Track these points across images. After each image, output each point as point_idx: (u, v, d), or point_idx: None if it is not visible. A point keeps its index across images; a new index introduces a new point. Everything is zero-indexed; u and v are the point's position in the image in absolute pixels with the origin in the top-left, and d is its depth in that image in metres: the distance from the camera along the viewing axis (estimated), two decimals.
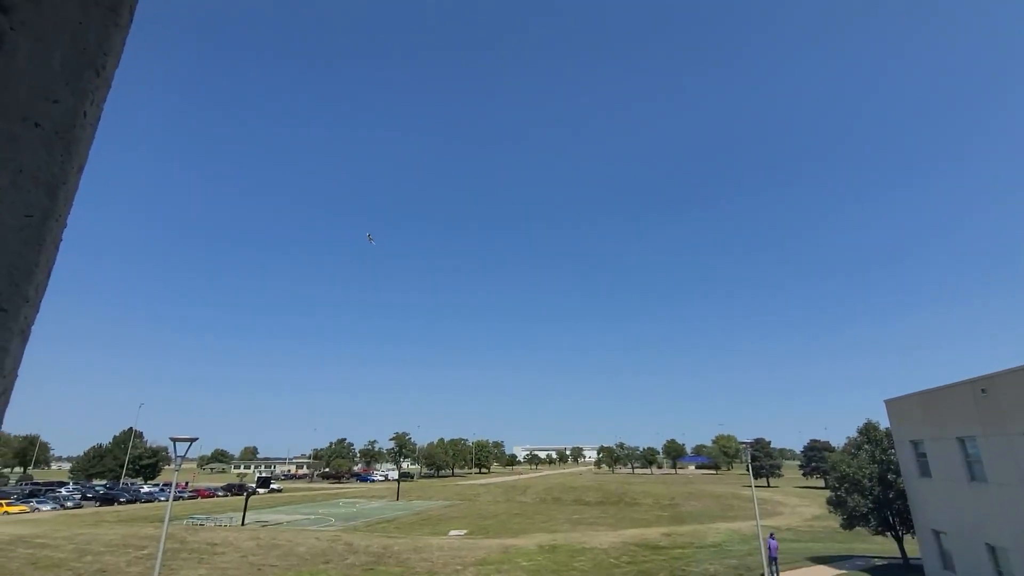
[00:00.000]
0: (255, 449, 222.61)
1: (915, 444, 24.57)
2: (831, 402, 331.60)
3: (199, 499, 74.41)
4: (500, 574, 25.43)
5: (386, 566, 27.49)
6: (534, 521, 49.77)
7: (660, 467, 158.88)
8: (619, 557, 30.27)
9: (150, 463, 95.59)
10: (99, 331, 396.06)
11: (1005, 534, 18.42)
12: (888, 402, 26.82)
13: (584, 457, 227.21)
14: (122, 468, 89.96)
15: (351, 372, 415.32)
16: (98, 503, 63.76)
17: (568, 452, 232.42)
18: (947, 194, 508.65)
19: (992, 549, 19.40)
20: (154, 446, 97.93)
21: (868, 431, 30.84)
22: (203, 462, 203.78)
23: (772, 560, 23.20)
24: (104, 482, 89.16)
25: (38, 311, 1.14)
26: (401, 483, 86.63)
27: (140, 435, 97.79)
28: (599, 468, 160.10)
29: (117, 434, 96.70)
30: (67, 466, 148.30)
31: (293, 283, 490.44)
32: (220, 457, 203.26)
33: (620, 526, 45.69)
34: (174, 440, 14.51)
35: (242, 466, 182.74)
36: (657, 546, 34.37)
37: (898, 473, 26.66)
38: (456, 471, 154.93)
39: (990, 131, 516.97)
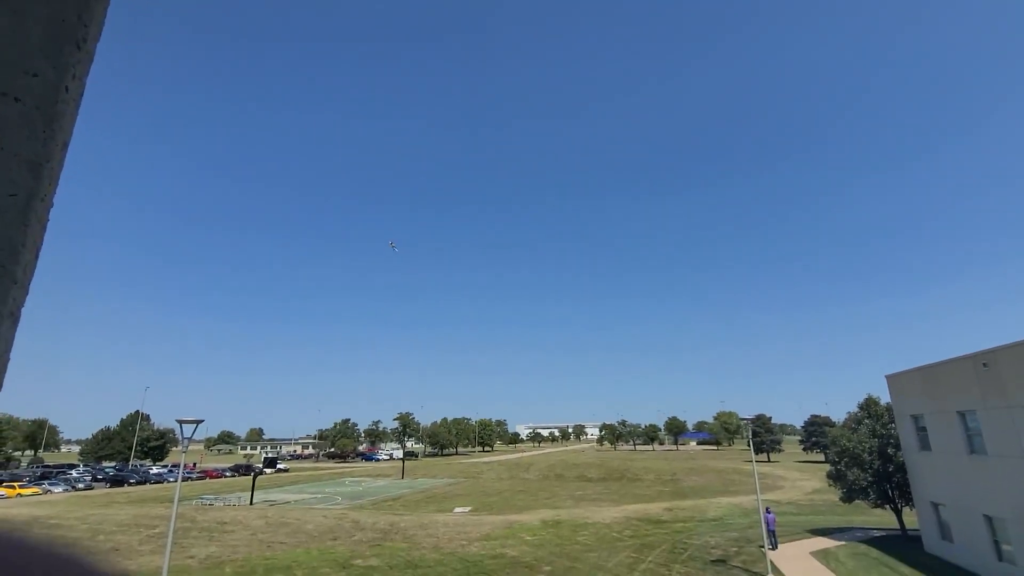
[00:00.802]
0: (261, 430, 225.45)
1: (916, 418, 24.76)
2: (832, 378, 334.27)
3: (207, 480, 75.57)
4: (505, 549, 25.92)
5: (393, 542, 28.02)
6: (537, 498, 50.58)
7: (662, 443, 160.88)
8: (621, 531, 30.82)
9: (158, 445, 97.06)
10: (104, 316, 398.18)
11: (1003, 505, 18.68)
12: (889, 377, 26.95)
13: (586, 434, 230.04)
14: (130, 450, 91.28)
15: (355, 354, 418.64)
16: (108, 484, 64.82)
17: (570, 430, 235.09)
18: (949, 171, 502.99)
19: (989, 520, 19.71)
20: (161, 428, 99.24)
21: (868, 406, 31.06)
22: (210, 443, 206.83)
23: (771, 533, 23.60)
24: (113, 464, 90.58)
25: (27, 293, 1.08)
26: (406, 462, 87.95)
27: (147, 418, 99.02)
28: (601, 445, 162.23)
29: (124, 417, 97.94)
30: (76, 449, 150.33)
31: (296, 266, 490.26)
32: (227, 439, 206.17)
33: (622, 501, 46.42)
34: (180, 422, 14.62)
35: (248, 447, 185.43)
36: (659, 520, 34.95)
37: (898, 447, 26.93)
38: (459, 450, 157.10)
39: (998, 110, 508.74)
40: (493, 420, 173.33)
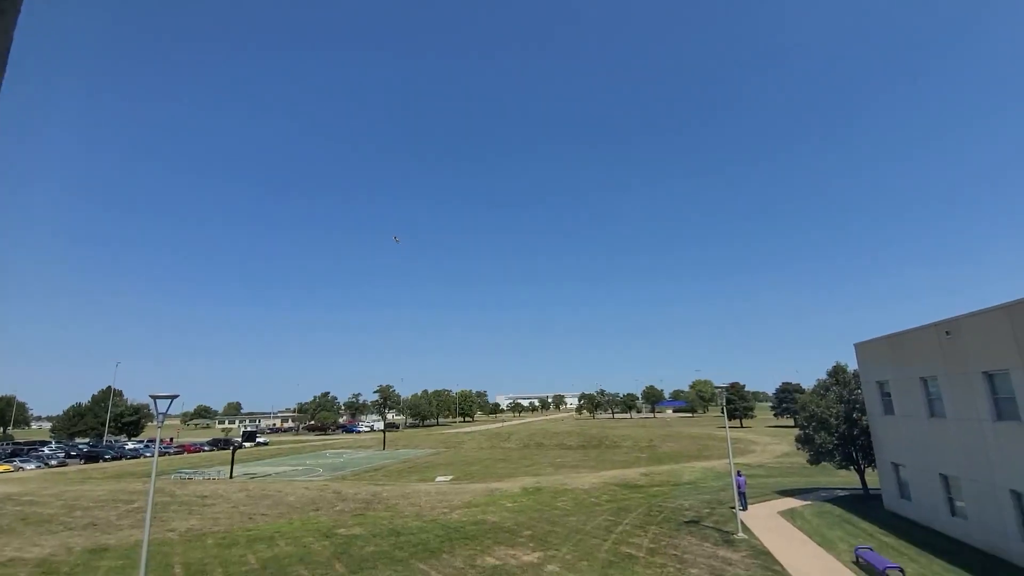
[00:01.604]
0: (239, 404, 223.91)
1: (881, 384, 25.79)
2: (803, 347, 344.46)
3: (185, 454, 75.01)
4: (486, 516, 26.48)
5: (375, 511, 28.38)
6: (518, 466, 51.64)
7: (639, 412, 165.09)
8: (599, 496, 31.75)
9: (132, 420, 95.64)
10: (71, 291, 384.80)
11: (958, 464, 19.74)
12: (858, 345, 27.89)
13: (566, 404, 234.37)
14: (104, 426, 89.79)
15: (333, 327, 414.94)
16: (83, 461, 63.82)
17: (550, 400, 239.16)
18: (913, 146, 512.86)
19: (945, 478, 20.84)
20: (135, 404, 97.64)
21: (837, 373, 32.20)
22: (186, 418, 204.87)
23: (741, 495, 24.60)
24: (87, 440, 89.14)
25: None
26: (387, 433, 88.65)
27: (120, 393, 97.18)
28: (580, 414, 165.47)
29: (96, 393, 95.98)
30: (47, 425, 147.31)
31: (270, 238, 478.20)
32: (203, 413, 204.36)
33: (601, 468, 47.73)
34: (154, 397, 14.27)
35: (226, 421, 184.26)
36: (636, 485, 36.09)
37: (863, 411, 28.10)
38: (440, 420, 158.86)
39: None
40: (473, 391, 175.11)
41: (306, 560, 18.88)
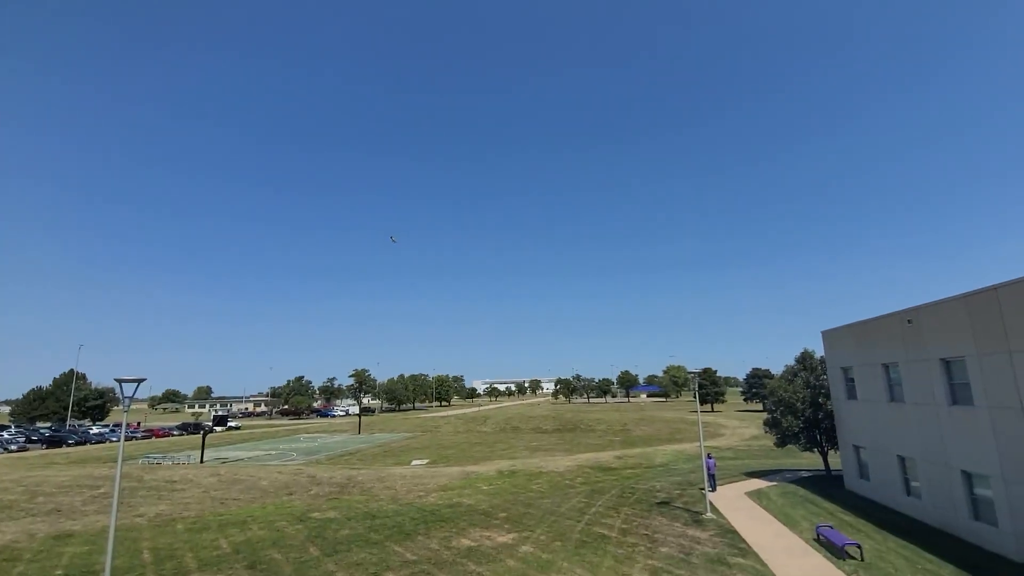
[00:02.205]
0: (209, 388, 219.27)
1: (845, 370, 26.71)
2: (774, 334, 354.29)
3: (153, 439, 73.34)
4: (462, 498, 26.68)
5: (350, 495, 28.30)
6: (494, 449, 52.09)
7: (614, 396, 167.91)
8: (574, 479, 32.30)
9: (96, 404, 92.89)
10: (30, 273, 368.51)
11: (914, 446, 20.66)
12: (824, 332, 28.77)
13: (542, 389, 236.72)
14: (67, 410, 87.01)
15: (307, 311, 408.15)
16: (45, 446, 61.87)
17: (526, 384, 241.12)
18: (887, 129, 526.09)
19: (902, 460, 21.81)
20: (100, 387, 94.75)
21: (804, 359, 33.21)
22: (154, 402, 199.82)
23: (711, 476, 25.34)
24: (49, 424, 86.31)
25: None
26: (362, 417, 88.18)
27: (83, 376, 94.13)
28: (556, 399, 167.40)
29: (58, 376, 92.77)
30: (6, 409, 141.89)
31: (243, 217, 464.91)
32: (172, 397, 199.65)
33: (575, 451, 48.51)
34: (120, 381, 13.79)
35: (196, 405, 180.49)
36: (609, 467, 36.81)
37: (828, 396, 29.11)
38: (417, 405, 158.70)
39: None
40: (450, 376, 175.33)
41: (279, 544, 18.75)
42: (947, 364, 18.65)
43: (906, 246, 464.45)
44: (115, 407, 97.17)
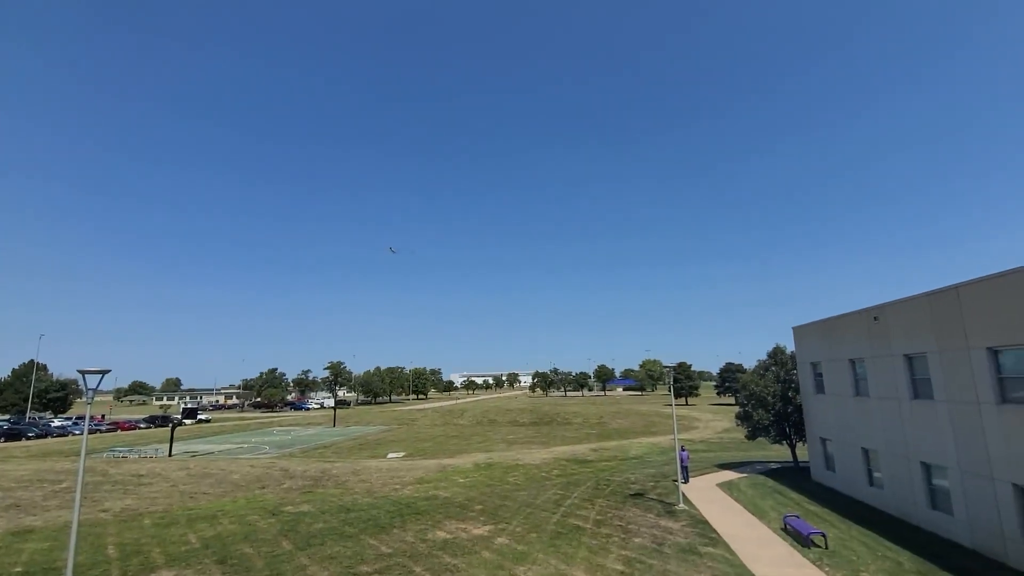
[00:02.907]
0: (178, 380, 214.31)
1: (814, 365, 27.49)
2: (747, 330, 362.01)
3: (119, 432, 71.29)
4: (438, 491, 26.65)
5: (324, 488, 27.99)
6: (471, 442, 52.15)
7: (591, 390, 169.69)
8: (550, 471, 32.57)
9: (58, 396, 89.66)
10: None
11: (877, 439, 21.42)
12: (795, 329, 29.52)
13: (520, 382, 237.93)
14: (26, 402, 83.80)
15: (281, 302, 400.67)
16: (3, 439, 59.49)
17: (504, 378, 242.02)
18: (866, 129, 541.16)
19: (866, 452, 22.60)
20: (62, 379, 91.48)
21: (776, 354, 34.07)
22: (120, 394, 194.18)
23: (684, 468, 25.86)
24: (7, 417, 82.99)
25: None
26: (337, 410, 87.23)
27: (44, 367, 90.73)
28: (534, 392, 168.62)
29: (17, 367, 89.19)
30: None
31: (214, 207, 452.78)
32: (139, 389, 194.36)
33: (552, 444, 48.92)
34: (82, 372, 13.30)
35: (165, 397, 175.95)
36: (585, 460, 37.24)
37: (797, 390, 29.95)
38: (393, 398, 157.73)
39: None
40: (427, 369, 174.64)
41: (251, 538, 18.43)
42: (910, 360, 19.34)
43: (880, 244, 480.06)
44: (78, 399, 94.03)
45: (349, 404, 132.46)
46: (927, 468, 18.40)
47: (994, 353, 15.14)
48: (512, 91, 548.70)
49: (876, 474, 21.90)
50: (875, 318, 21.32)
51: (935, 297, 17.61)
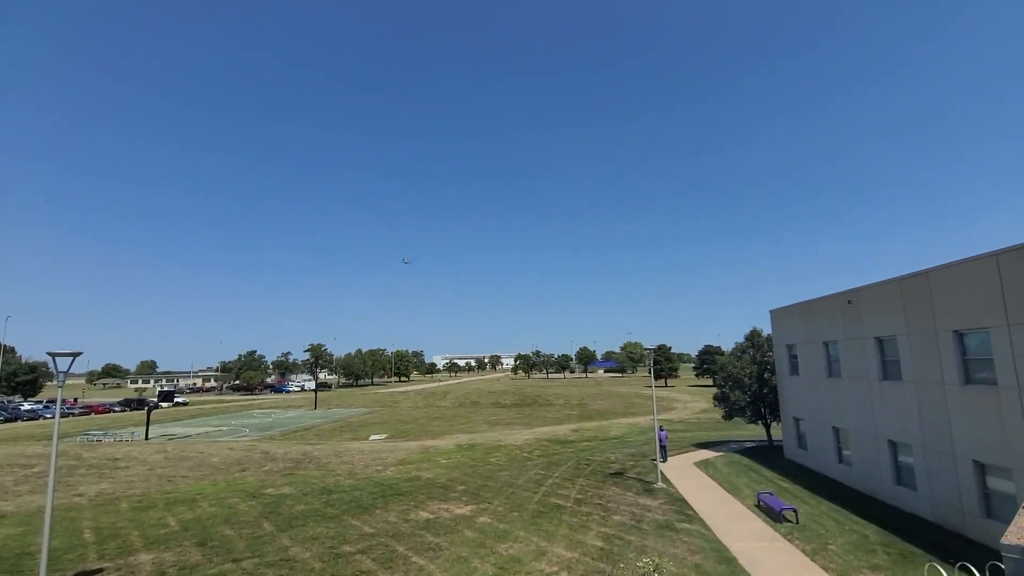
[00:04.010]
0: (153, 363, 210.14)
1: (790, 347, 28.18)
2: (726, 312, 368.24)
3: (93, 415, 69.88)
4: (420, 472, 26.83)
5: (306, 470, 27.94)
6: (453, 424, 52.48)
7: (573, 372, 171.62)
8: (531, 452, 33.00)
9: (28, 380, 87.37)
10: None
11: (847, 419, 22.15)
12: (772, 312, 30.14)
13: (502, 364, 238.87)
14: None
15: (260, 283, 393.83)
16: None
17: (487, 360, 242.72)
18: (838, 119, 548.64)
19: (836, 431, 23.38)
20: (31, 361, 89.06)
21: (752, 337, 34.81)
22: (93, 377, 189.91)
23: (662, 448, 26.45)
24: None
25: None
26: (319, 393, 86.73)
27: (12, 350, 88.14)
28: (516, 374, 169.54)
29: None
30: None
31: (191, 183, 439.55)
32: (113, 372, 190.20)
33: (533, 425, 49.50)
34: (52, 355, 12.92)
35: (140, 380, 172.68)
36: (566, 440, 37.80)
37: (773, 372, 30.71)
38: (375, 380, 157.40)
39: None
40: (410, 351, 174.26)
41: (231, 520, 18.36)
42: (880, 342, 19.94)
43: (858, 230, 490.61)
44: (49, 382, 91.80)
45: (330, 387, 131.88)
46: (894, 446, 19.12)
47: (960, 336, 15.69)
48: (489, 74, 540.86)
49: (846, 452, 22.69)
50: (849, 301, 21.86)
51: (906, 282, 18.10)
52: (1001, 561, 7.76)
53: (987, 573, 10.47)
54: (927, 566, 11.63)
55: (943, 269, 16.27)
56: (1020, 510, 8.65)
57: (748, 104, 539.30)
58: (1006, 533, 7.87)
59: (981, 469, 14.89)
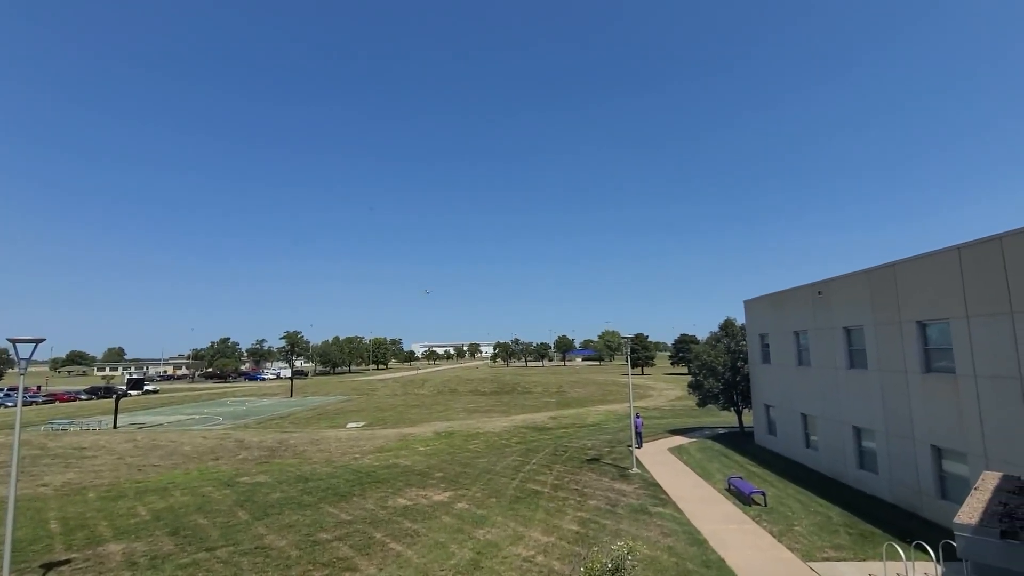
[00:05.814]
0: (121, 350, 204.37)
1: (763, 337, 28.89)
2: (702, 302, 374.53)
3: (57, 403, 67.77)
4: (398, 459, 26.82)
5: (282, 459, 27.68)
6: (431, 411, 52.48)
7: (551, 360, 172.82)
8: (509, 439, 33.27)
9: None
10: None
11: (815, 405, 22.90)
12: (746, 302, 30.82)
13: (481, 352, 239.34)
14: None
15: (233, 268, 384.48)
16: None
17: (465, 348, 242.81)
18: (812, 112, 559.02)
19: (804, 417, 24.16)
20: None
21: (727, 327, 35.57)
22: (57, 365, 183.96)
23: (638, 434, 26.96)
24: None
25: None
26: (295, 380, 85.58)
27: None
28: (495, 362, 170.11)
29: None
30: None
31: (162, 164, 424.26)
32: (78, 359, 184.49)
33: (512, 412, 49.83)
34: (13, 341, 12.46)
35: (107, 368, 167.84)
36: (544, 428, 38.19)
37: (746, 360, 31.47)
38: (353, 368, 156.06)
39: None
40: (388, 339, 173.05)
41: (205, 509, 18.11)
42: (848, 332, 20.59)
43: (833, 220, 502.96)
44: (10, 370, 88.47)
45: (307, 374, 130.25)
46: (858, 432, 19.86)
47: (922, 326, 16.31)
48: (469, 54, 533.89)
49: (813, 437, 23.49)
50: (819, 292, 22.48)
51: (874, 273, 18.68)
52: (954, 540, 8.19)
53: (940, 551, 11.03)
54: (885, 545, 12.16)
55: (909, 262, 16.82)
56: (972, 491, 9.11)
57: (725, 93, 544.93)
58: (959, 513, 8.30)
59: (938, 453, 15.59)
